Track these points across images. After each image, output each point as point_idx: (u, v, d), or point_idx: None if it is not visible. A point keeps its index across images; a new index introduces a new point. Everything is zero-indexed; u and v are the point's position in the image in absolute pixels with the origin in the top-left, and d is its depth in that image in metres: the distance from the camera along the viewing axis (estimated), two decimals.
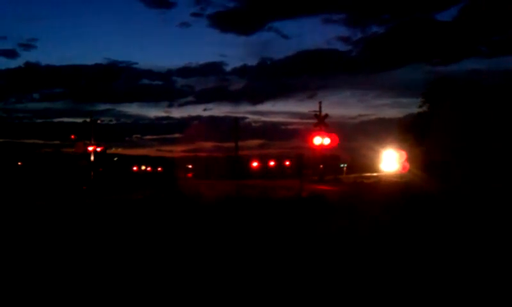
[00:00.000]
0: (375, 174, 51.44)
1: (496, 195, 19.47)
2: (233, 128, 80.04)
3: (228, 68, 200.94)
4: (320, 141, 47.45)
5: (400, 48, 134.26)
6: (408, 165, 29.54)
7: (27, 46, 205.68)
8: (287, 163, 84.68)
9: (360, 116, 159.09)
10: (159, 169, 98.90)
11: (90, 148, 52.43)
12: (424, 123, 31.28)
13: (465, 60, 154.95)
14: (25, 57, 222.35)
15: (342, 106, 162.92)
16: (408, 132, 32.82)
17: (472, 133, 26.77)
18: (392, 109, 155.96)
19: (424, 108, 33.70)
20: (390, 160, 30.49)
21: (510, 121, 26.63)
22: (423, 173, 27.44)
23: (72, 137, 55.25)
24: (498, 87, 29.23)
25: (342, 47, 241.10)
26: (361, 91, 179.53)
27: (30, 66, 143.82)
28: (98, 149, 53.63)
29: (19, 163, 78.25)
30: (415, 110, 34.73)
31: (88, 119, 55.02)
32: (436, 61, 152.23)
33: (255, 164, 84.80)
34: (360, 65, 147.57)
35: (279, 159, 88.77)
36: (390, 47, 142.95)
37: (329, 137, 45.85)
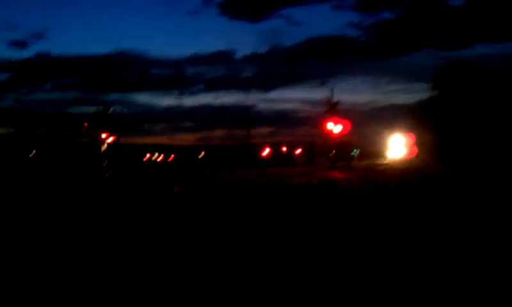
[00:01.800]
0: (386, 160, 51.30)
1: (501, 179, 19.42)
2: (244, 116, 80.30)
3: (238, 56, 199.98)
4: (332, 127, 47.51)
5: (412, 33, 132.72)
6: (415, 150, 29.38)
7: (38, 36, 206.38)
8: (299, 151, 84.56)
9: (371, 102, 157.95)
10: (171, 157, 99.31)
11: (103, 136, 52.83)
12: (435, 107, 31.07)
13: (477, 45, 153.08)
14: (37, 47, 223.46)
15: (353, 93, 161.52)
16: (418, 117, 32.52)
17: (481, 117, 26.62)
18: (403, 94, 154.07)
19: (435, 92, 33.37)
20: (398, 146, 30.36)
21: None
22: (431, 157, 27.28)
23: (85, 125, 55.65)
24: (509, 72, 28.91)
25: (352, 33, 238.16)
26: (373, 77, 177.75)
27: (41, 56, 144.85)
28: (111, 138, 53.95)
29: (33, 152, 79.09)
30: (427, 95, 34.41)
31: (100, 109, 55.45)
32: (447, 46, 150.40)
33: (265, 151, 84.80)
34: (371, 51, 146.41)
35: (290, 147, 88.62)
36: (401, 32, 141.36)
37: (341, 123, 45.86)
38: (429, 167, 26.11)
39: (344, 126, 43.68)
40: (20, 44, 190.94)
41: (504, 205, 14.13)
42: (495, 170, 22.07)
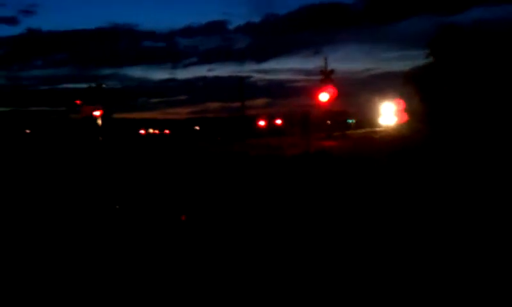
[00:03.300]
0: (383, 128, 51.36)
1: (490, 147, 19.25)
2: (238, 87, 79.61)
3: (232, 26, 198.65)
4: (327, 96, 47.21)
5: None
6: (405, 116, 29.13)
7: (28, 12, 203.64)
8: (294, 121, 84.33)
9: (367, 70, 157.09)
10: (166, 131, 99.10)
11: (97, 113, 52.28)
12: (427, 74, 30.70)
13: (473, 9, 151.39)
14: (27, 23, 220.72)
15: (349, 61, 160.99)
16: (412, 83, 32.17)
17: (478, 83, 26.35)
18: (399, 61, 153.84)
19: (430, 59, 32.96)
20: (389, 113, 30.12)
21: None
22: (422, 124, 27.04)
23: (78, 102, 55.07)
24: (507, 35, 28.44)
25: None
26: (368, 44, 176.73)
27: (32, 33, 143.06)
28: (104, 114, 53.42)
29: (27, 131, 78.63)
30: (422, 62, 33.86)
31: (93, 84, 54.93)
32: (443, 11, 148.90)
33: (261, 122, 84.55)
34: (366, 18, 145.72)
35: (286, 117, 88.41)
36: None
37: (327, 91, 45.52)
38: (418, 134, 25.98)
39: (330, 94, 43.20)
40: (10, 20, 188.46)
41: (492, 175, 13.99)
42: (482, 135, 22.00)
